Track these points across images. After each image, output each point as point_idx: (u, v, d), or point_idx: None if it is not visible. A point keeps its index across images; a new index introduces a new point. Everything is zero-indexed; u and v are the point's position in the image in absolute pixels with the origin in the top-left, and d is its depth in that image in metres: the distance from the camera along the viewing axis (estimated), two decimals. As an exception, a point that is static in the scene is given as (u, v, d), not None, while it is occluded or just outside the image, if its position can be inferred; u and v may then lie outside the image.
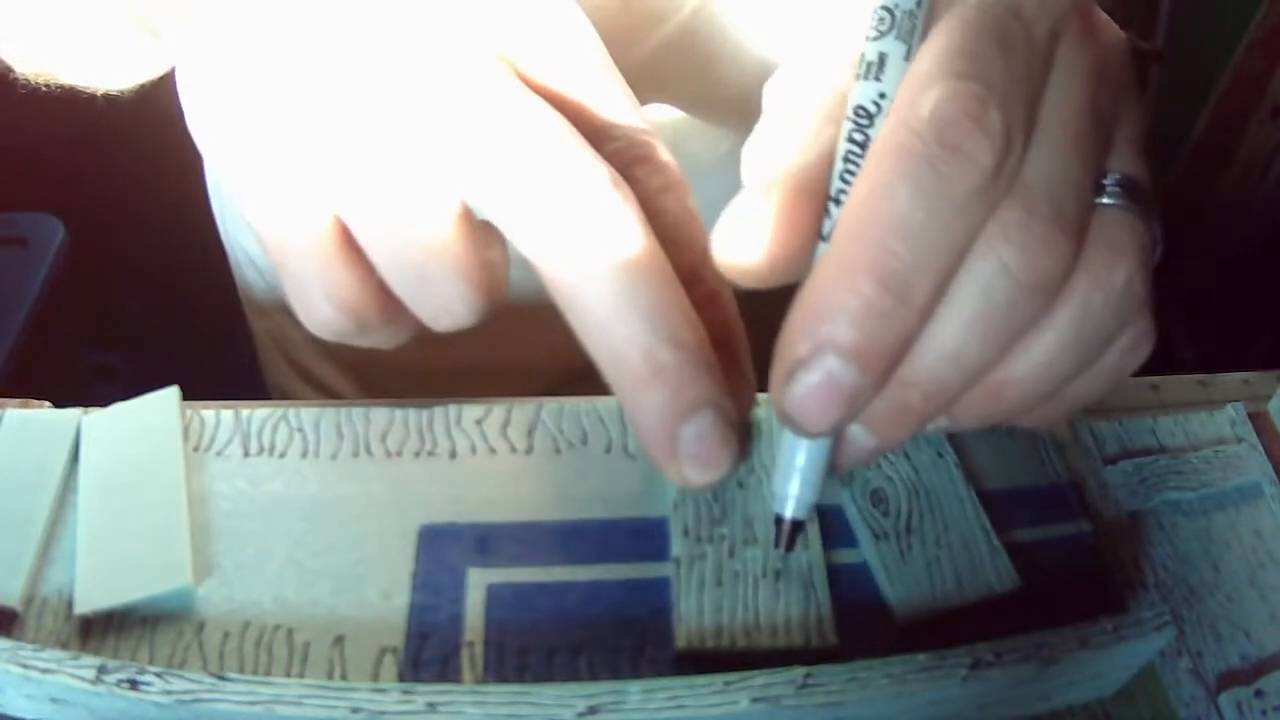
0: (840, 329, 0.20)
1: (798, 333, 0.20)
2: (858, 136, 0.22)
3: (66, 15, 0.35)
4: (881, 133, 0.21)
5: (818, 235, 0.22)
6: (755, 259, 0.22)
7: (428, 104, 0.22)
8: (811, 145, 0.22)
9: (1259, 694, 0.28)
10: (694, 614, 0.27)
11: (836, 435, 0.23)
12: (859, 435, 0.23)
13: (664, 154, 0.25)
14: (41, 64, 0.38)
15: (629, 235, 0.22)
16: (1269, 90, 1.13)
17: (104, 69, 0.38)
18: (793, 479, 0.24)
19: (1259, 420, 0.35)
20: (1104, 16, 0.24)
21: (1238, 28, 1.13)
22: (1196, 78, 1.18)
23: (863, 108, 0.22)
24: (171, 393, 0.31)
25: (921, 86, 0.20)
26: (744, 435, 0.23)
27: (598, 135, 0.24)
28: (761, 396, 0.33)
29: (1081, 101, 0.21)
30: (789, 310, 0.21)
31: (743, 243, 0.22)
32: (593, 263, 0.22)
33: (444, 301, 0.23)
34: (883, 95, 0.22)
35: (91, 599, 0.26)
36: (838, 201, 0.22)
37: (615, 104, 0.25)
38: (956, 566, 0.28)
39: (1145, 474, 0.33)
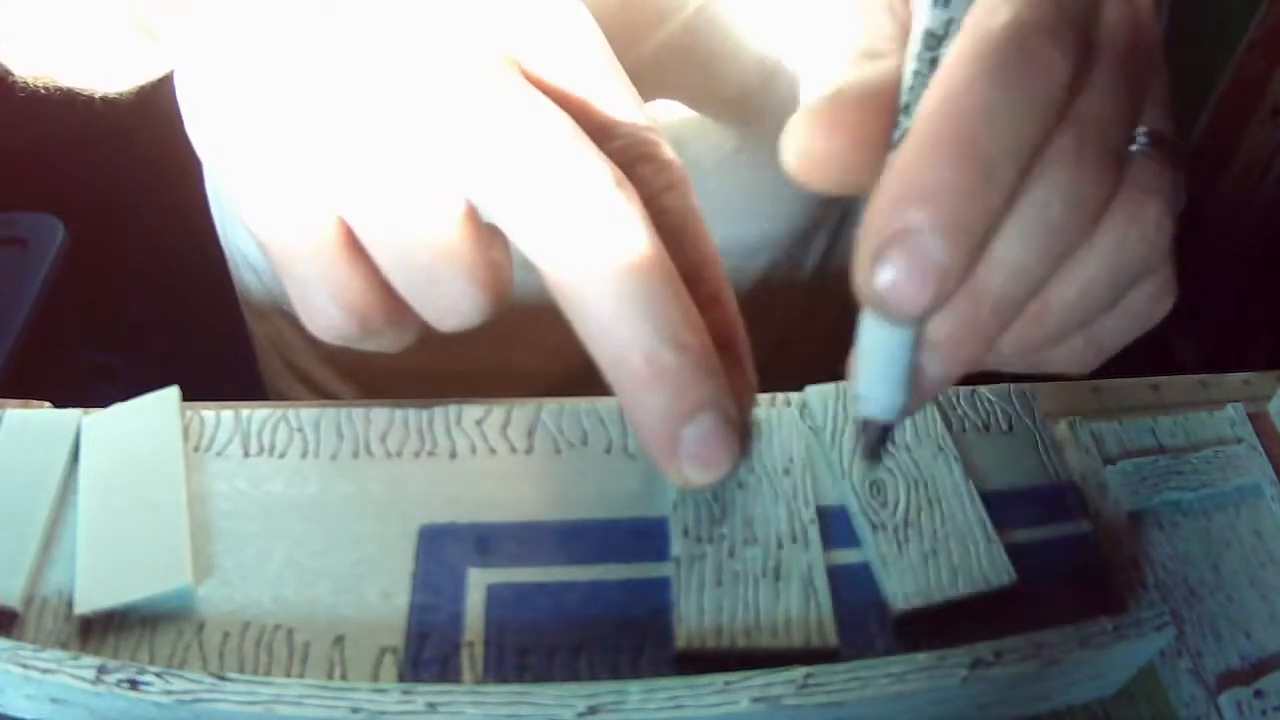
0: (930, 206, 0.20)
1: (886, 213, 0.21)
2: (927, 55, 0.22)
3: (64, 17, 0.35)
4: (958, 42, 0.22)
5: (887, 142, 0.22)
6: (825, 153, 0.22)
7: (431, 102, 0.22)
8: (870, 68, 0.23)
9: (1259, 694, 0.28)
10: (694, 614, 0.27)
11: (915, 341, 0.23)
12: (930, 363, 0.23)
13: (668, 152, 0.25)
14: (39, 66, 0.38)
15: (632, 236, 0.22)
16: (1269, 90, 1.13)
17: (102, 71, 0.38)
18: (879, 377, 0.23)
19: (1259, 420, 0.35)
20: None
21: (1238, 28, 1.13)
22: (1196, 78, 1.18)
23: (931, 32, 0.22)
24: (171, 393, 0.31)
25: (995, 5, 0.22)
26: (745, 436, 0.23)
27: (601, 133, 0.24)
28: (763, 398, 0.33)
29: (1123, 53, 0.23)
30: (869, 204, 0.21)
31: (811, 137, 0.22)
32: (595, 264, 0.22)
33: (450, 302, 0.23)
34: (951, 21, 0.22)
35: (91, 599, 0.26)
36: (907, 111, 0.22)
37: (619, 101, 0.25)
38: (953, 560, 0.28)
39: (1145, 474, 0.33)
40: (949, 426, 0.32)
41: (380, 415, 0.31)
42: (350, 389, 0.56)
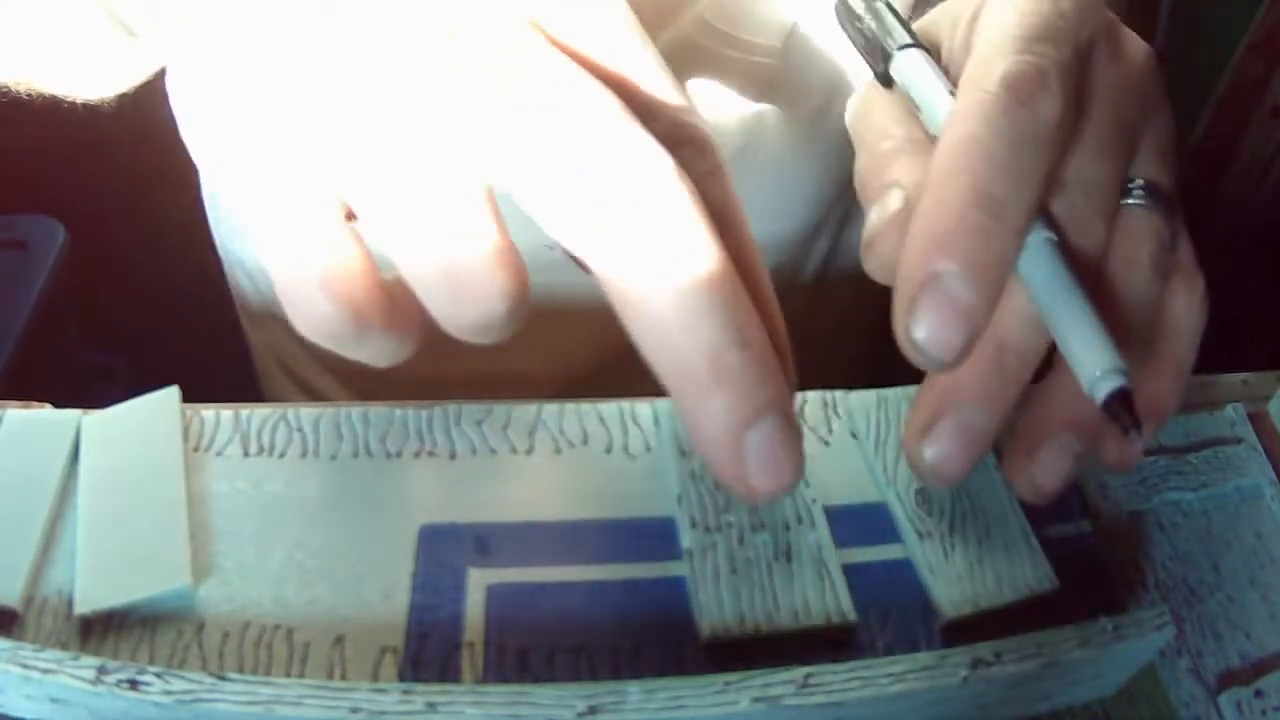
0: (950, 252, 0.22)
1: (913, 264, 0.23)
2: None
3: (43, 19, 0.34)
4: (958, 100, 0.25)
5: None
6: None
7: (449, 66, 0.20)
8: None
9: (1259, 694, 0.28)
10: (714, 604, 0.27)
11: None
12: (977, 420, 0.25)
13: (709, 134, 0.23)
14: (19, 72, 0.37)
15: (694, 230, 0.20)
16: (1269, 91, 1.13)
17: (82, 75, 0.37)
18: (1096, 346, 0.24)
19: (1259, 420, 0.35)
20: (1132, 35, 0.28)
21: (1238, 28, 1.13)
22: (1196, 78, 1.18)
23: None
24: (171, 393, 0.31)
25: (987, 62, 0.24)
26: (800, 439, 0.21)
27: (641, 114, 0.21)
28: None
29: (1109, 111, 0.25)
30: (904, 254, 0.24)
31: (893, 247, 0.25)
32: (655, 262, 0.20)
33: (470, 291, 0.20)
34: None
35: (91, 599, 0.26)
36: None
37: (657, 79, 0.23)
38: (997, 567, 0.29)
39: (1145, 474, 0.33)
40: None
41: (380, 416, 0.31)
42: (349, 395, 0.56)
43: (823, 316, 0.57)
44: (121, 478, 0.29)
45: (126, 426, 0.30)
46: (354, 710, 0.23)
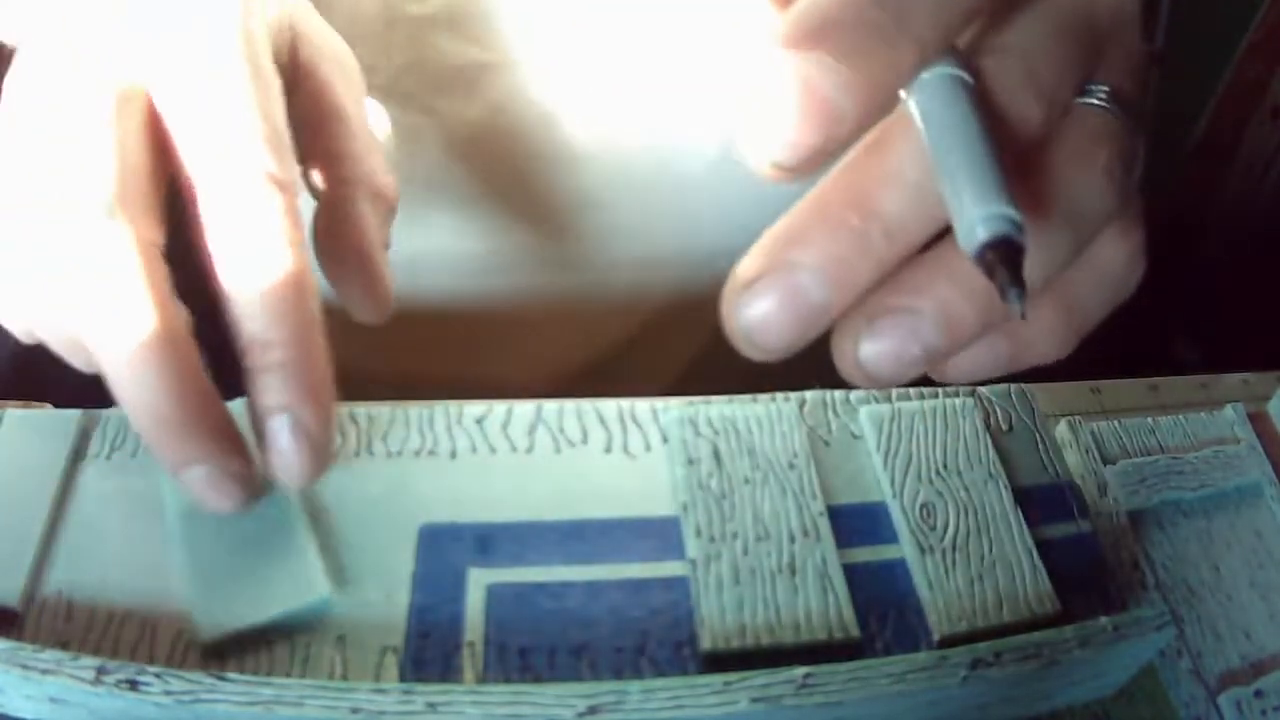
0: (826, 44, 0.18)
1: (786, 57, 0.18)
2: None
3: None
4: None
5: None
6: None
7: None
8: None
9: (1259, 694, 0.28)
10: (716, 614, 0.27)
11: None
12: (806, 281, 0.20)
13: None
14: None
15: (130, 307, 0.24)
16: (1269, 91, 1.13)
17: None
18: (973, 194, 0.19)
19: (1259, 420, 0.35)
20: None
21: (1238, 28, 1.13)
22: (1196, 78, 1.18)
23: None
24: None
25: None
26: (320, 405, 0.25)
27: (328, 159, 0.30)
28: (762, 395, 0.33)
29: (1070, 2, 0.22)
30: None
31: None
32: (99, 327, 0.24)
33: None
34: None
35: (218, 621, 0.26)
36: None
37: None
38: (999, 588, 0.28)
39: (1145, 474, 0.33)
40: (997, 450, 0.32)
41: (381, 414, 0.31)
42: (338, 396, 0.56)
43: None
44: None
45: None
46: (354, 710, 0.23)
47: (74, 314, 0.24)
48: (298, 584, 0.26)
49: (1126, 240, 0.23)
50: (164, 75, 0.25)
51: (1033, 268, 0.20)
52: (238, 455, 0.25)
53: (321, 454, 0.25)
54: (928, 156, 0.20)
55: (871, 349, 0.21)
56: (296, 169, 0.27)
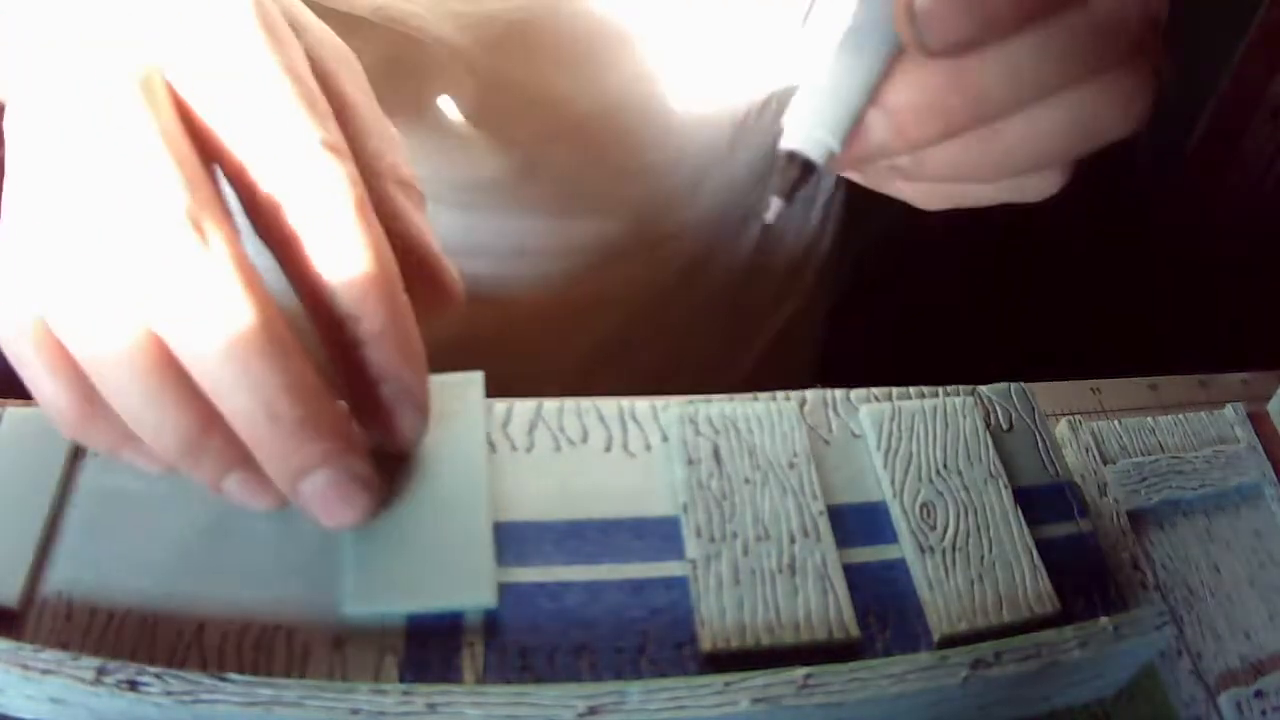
0: None
1: None
2: None
3: None
4: None
5: None
6: None
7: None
8: None
9: (1259, 694, 0.28)
10: (716, 614, 0.27)
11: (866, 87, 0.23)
12: (922, 32, 0.22)
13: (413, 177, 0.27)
14: None
15: (228, 306, 0.22)
16: (1269, 91, 1.13)
17: None
18: (822, 116, 0.22)
19: (1259, 420, 0.35)
20: None
21: (1238, 28, 1.13)
22: (1196, 78, 1.18)
23: None
24: (476, 378, 0.30)
25: None
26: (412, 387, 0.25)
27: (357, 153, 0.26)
28: (762, 394, 0.33)
29: None
30: None
31: None
32: (194, 327, 0.22)
33: (140, 416, 0.23)
34: None
35: (371, 598, 0.25)
36: None
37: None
38: (999, 587, 0.28)
39: (1145, 474, 0.33)
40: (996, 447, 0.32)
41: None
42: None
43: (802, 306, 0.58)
44: (417, 465, 0.28)
45: (434, 406, 0.28)
46: (354, 711, 0.23)
47: (168, 334, 0.23)
48: (470, 583, 0.26)
49: (1131, 64, 0.24)
50: (187, 57, 0.24)
51: (1057, 67, 0.23)
52: (362, 455, 0.24)
53: (426, 416, 0.25)
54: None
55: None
56: (339, 131, 0.25)
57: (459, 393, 0.30)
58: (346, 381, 0.25)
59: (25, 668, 0.23)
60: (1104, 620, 0.27)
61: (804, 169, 0.23)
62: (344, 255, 0.24)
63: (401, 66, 0.40)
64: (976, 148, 0.23)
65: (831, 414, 0.32)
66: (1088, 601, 0.29)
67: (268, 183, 0.24)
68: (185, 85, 0.24)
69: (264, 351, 0.22)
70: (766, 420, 0.31)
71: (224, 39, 0.24)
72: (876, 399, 0.33)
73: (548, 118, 0.45)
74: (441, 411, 0.28)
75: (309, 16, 0.29)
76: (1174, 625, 0.27)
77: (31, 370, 0.24)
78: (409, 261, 0.26)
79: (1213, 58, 1.16)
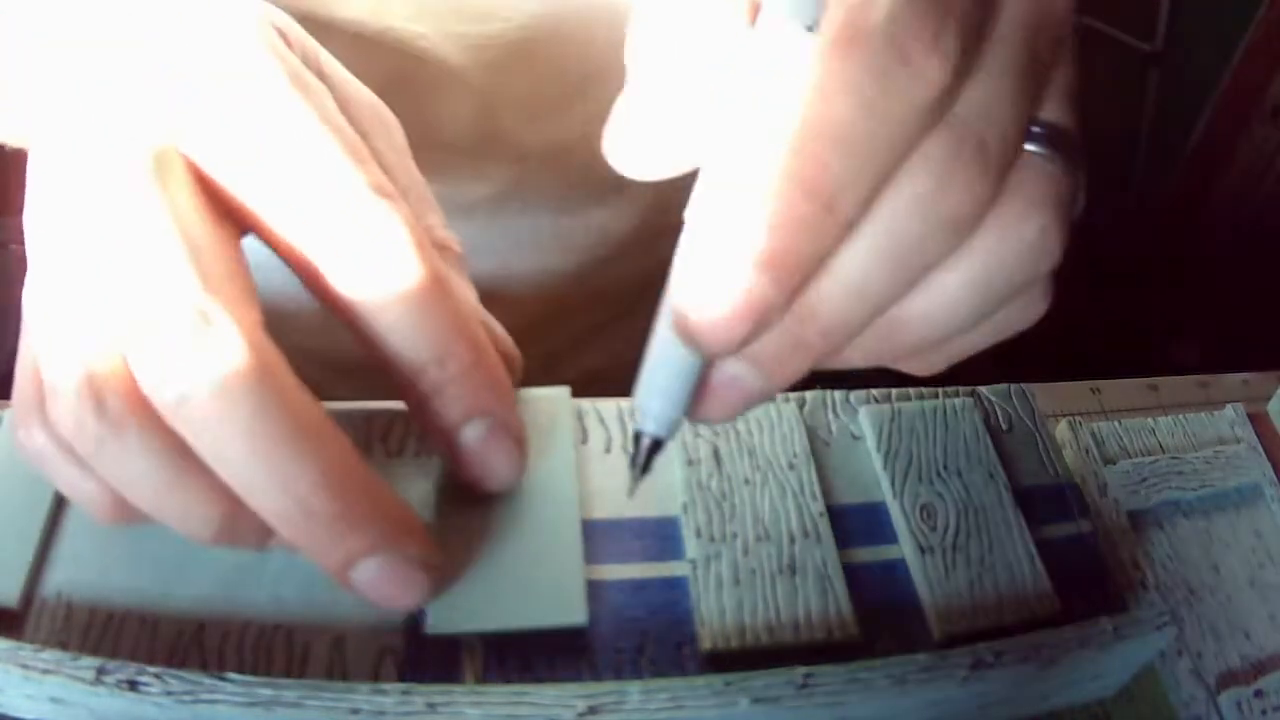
0: (759, 237, 0.18)
1: (708, 239, 0.19)
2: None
3: None
4: (824, 32, 0.19)
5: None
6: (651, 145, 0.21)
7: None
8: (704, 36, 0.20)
9: (1259, 694, 0.28)
10: (715, 614, 0.27)
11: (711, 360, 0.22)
12: (744, 374, 0.21)
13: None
14: None
15: (247, 389, 0.21)
16: (1269, 92, 1.13)
17: None
18: (661, 394, 0.22)
19: (1259, 420, 0.35)
20: None
21: (1238, 28, 1.13)
22: (1196, 78, 1.18)
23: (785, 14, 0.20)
24: (564, 392, 0.30)
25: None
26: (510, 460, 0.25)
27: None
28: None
29: (1022, 43, 0.20)
30: (689, 213, 0.20)
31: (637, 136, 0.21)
32: (221, 423, 0.21)
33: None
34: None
35: (456, 618, 0.25)
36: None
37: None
38: (999, 587, 0.28)
39: (1145, 474, 0.33)
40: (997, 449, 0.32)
41: (380, 415, 0.31)
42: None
43: None
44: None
45: (525, 421, 0.28)
46: (354, 711, 0.23)
47: (184, 434, 0.22)
48: (561, 601, 0.26)
49: (1033, 292, 0.22)
50: (210, 125, 0.23)
51: (930, 330, 0.21)
52: (416, 535, 0.23)
53: (523, 447, 0.25)
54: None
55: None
56: (382, 173, 0.24)
57: (546, 407, 0.30)
58: (430, 429, 0.24)
59: (25, 668, 0.23)
60: (1104, 620, 0.27)
61: (654, 444, 0.23)
62: (415, 298, 0.23)
63: (406, 84, 0.40)
64: (888, 343, 0.22)
65: (831, 415, 0.32)
66: (1088, 601, 0.29)
67: (316, 239, 0.23)
68: (209, 155, 0.23)
69: (290, 446, 0.21)
70: (766, 421, 0.31)
71: (249, 97, 0.23)
72: (876, 400, 0.33)
73: (548, 132, 0.45)
74: (530, 425, 0.28)
75: (343, 74, 0.28)
76: (1174, 625, 0.27)
77: (52, 475, 0.23)
78: None
79: (1213, 59, 1.16)
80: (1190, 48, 1.16)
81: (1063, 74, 0.22)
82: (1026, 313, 0.22)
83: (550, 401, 0.30)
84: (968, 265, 0.20)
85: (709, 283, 0.19)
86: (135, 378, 0.22)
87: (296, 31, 0.27)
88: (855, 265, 0.20)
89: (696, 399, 0.22)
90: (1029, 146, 0.21)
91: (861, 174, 0.19)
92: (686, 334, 0.19)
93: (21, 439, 0.23)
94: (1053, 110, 0.21)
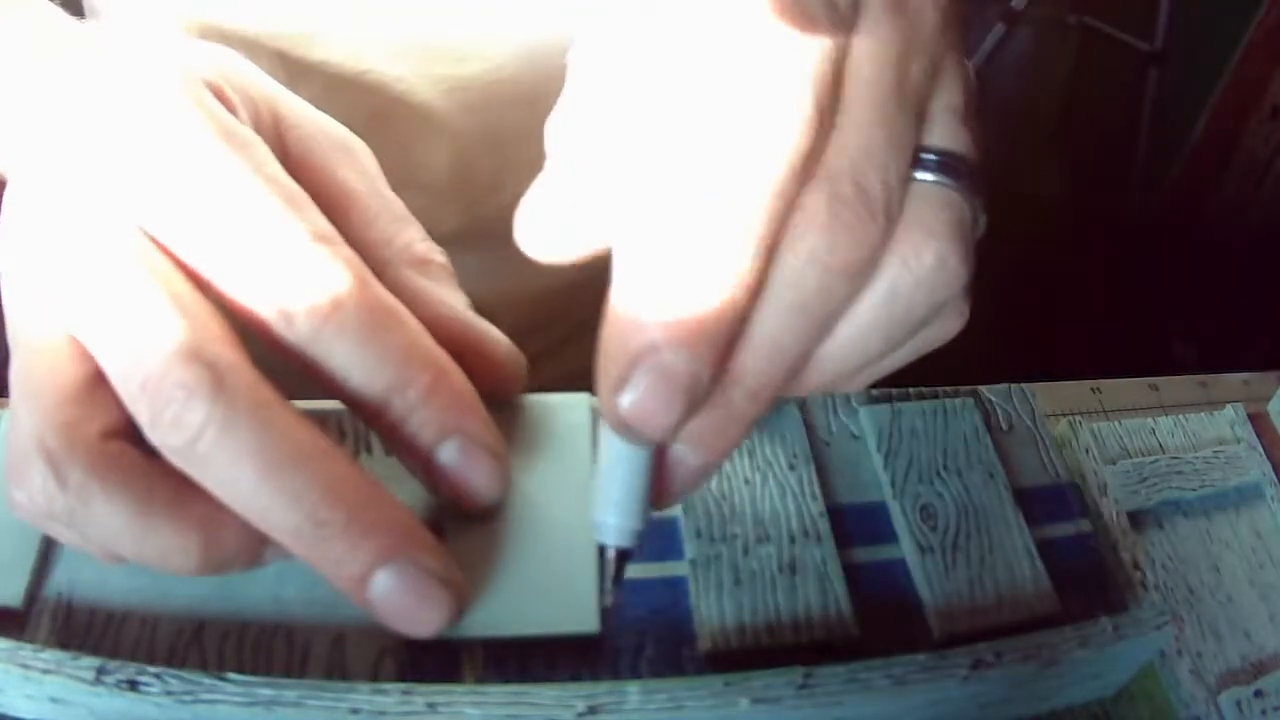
0: (667, 322, 0.19)
1: (620, 335, 0.20)
2: None
3: None
4: (685, 109, 0.20)
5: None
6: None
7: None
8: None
9: (1259, 694, 0.28)
10: (714, 615, 0.27)
11: (658, 455, 0.22)
12: (686, 455, 0.22)
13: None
14: None
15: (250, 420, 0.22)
16: (1269, 91, 1.13)
17: None
18: (617, 508, 0.23)
19: (1259, 420, 0.35)
20: None
21: (1238, 28, 1.13)
22: (1196, 78, 1.18)
23: None
24: (582, 399, 0.30)
25: (724, 40, 0.19)
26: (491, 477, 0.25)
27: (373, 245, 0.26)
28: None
29: (887, 78, 0.20)
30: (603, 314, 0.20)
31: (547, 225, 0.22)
32: (215, 456, 0.22)
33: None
34: None
35: (468, 622, 0.25)
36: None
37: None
38: (999, 586, 0.28)
39: (1145, 474, 0.33)
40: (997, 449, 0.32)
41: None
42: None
43: None
44: (524, 487, 0.27)
45: (540, 425, 0.28)
46: (354, 711, 0.23)
47: (197, 470, 0.22)
48: (573, 609, 0.26)
49: (946, 312, 0.22)
50: (157, 203, 0.23)
51: (845, 365, 0.22)
52: (430, 550, 0.23)
53: (503, 460, 0.25)
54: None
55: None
56: (323, 218, 0.25)
57: (563, 414, 0.30)
58: (406, 458, 0.24)
59: (25, 667, 0.23)
60: (1104, 620, 0.27)
61: (621, 554, 0.23)
62: (360, 336, 0.23)
63: (384, 123, 0.40)
64: (806, 382, 0.22)
65: (831, 415, 0.32)
66: (1088, 601, 0.29)
67: (255, 293, 0.23)
68: (148, 221, 0.23)
69: (296, 464, 0.22)
70: (766, 421, 0.31)
71: (175, 161, 0.23)
72: (876, 400, 0.33)
73: (525, 169, 0.45)
74: (547, 432, 0.28)
75: (301, 109, 0.28)
76: (1174, 625, 0.27)
77: (47, 531, 0.24)
78: (444, 340, 0.25)
79: (1212, 58, 1.16)
80: (1190, 47, 1.16)
81: (948, 94, 0.22)
82: (943, 330, 0.23)
83: (569, 409, 0.30)
84: (870, 303, 0.21)
85: (634, 375, 0.19)
86: (102, 435, 0.22)
87: (242, 79, 0.27)
88: (767, 325, 0.20)
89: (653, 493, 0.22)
90: (921, 175, 0.21)
91: (748, 244, 0.19)
92: (622, 427, 0.20)
93: (12, 500, 0.23)
94: (941, 134, 0.22)
